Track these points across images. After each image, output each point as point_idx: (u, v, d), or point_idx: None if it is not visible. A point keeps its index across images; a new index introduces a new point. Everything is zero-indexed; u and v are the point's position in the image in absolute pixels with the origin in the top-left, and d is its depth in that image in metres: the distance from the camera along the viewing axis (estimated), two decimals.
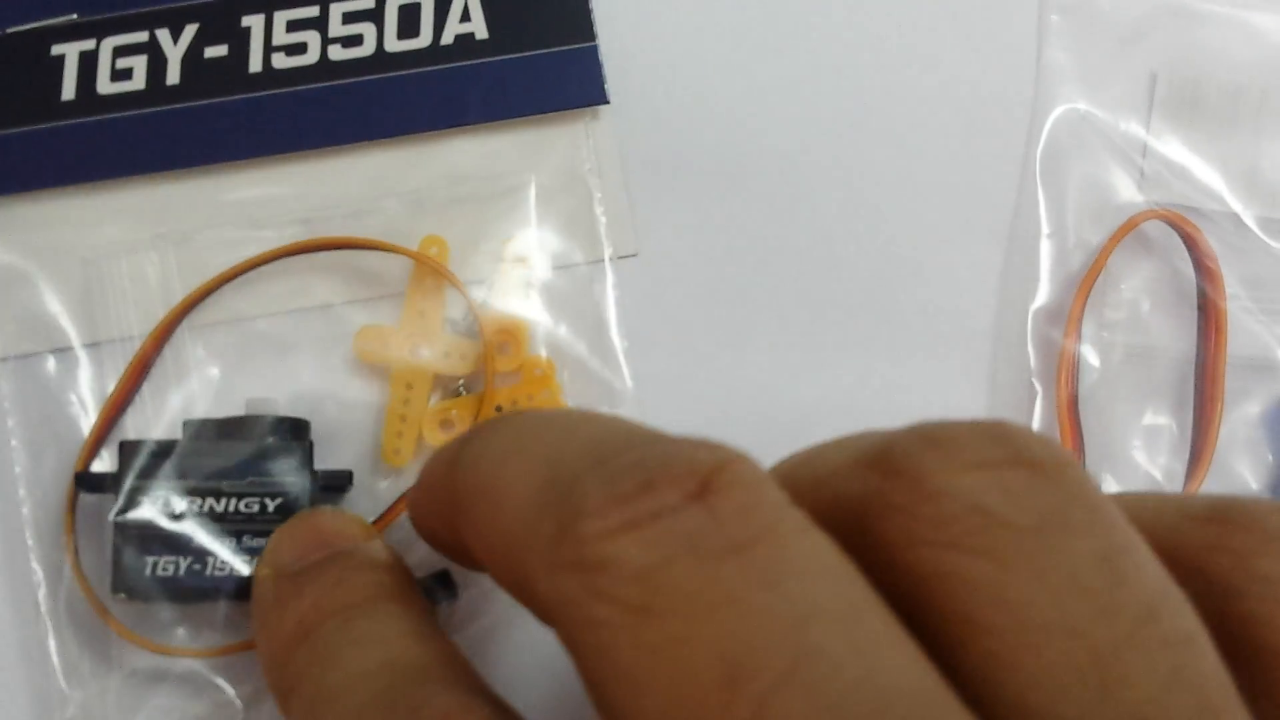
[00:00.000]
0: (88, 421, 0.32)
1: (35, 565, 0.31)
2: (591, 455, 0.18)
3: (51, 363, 0.32)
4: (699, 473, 0.17)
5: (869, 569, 0.17)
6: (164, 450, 0.30)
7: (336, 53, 0.34)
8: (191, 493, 0.30)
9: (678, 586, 0.16)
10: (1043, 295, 0.35)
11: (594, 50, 0.34)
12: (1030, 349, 0.34)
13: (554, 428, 0.20)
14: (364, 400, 0.33)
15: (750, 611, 0.16)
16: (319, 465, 0.31)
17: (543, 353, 0.33)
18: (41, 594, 0.31)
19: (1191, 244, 0.34)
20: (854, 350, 0.34)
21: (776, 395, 0.34)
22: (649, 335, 0.34)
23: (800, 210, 0.35)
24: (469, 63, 0.34)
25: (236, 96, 0.34)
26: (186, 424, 0.31)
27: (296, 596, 0.26)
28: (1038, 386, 0.34)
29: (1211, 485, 0.34)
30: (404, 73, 0.34)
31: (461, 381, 0.33)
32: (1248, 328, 0.35)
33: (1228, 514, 0.19)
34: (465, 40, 0.34)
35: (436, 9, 0.34)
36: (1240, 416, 0.35)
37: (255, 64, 0.34)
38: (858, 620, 0.16)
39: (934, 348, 0.35)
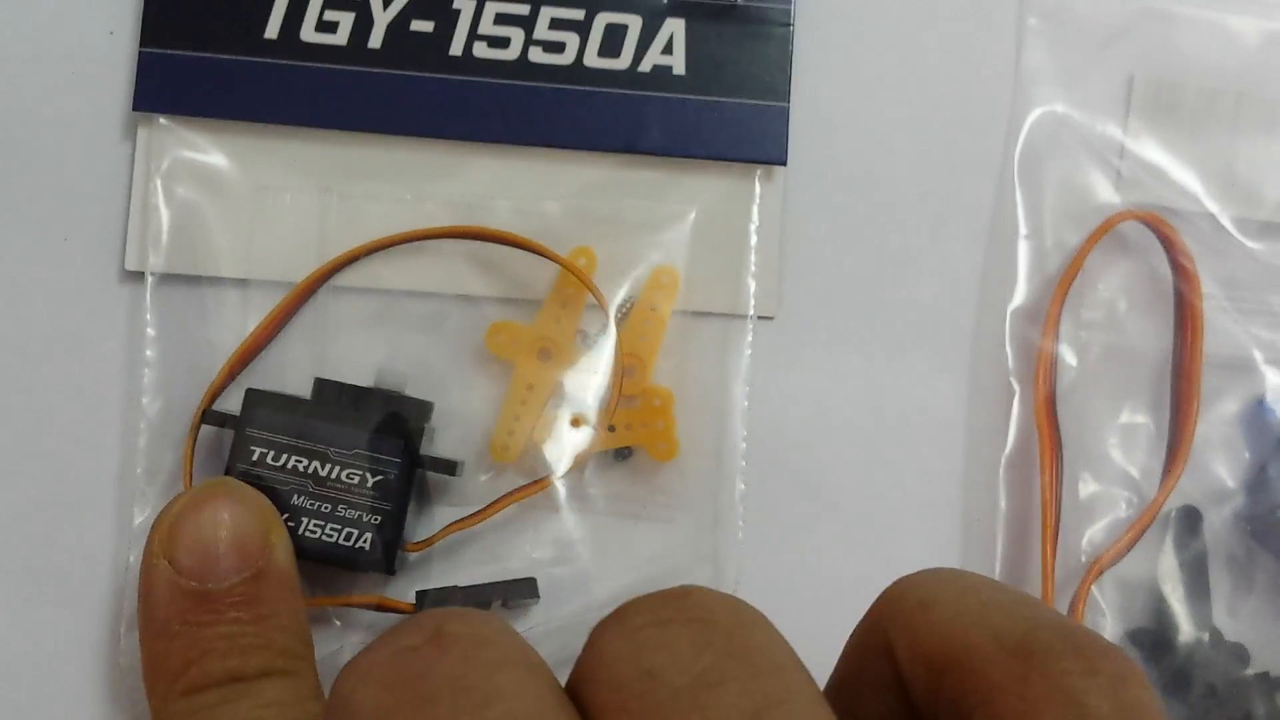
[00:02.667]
0: (223, 355, 0.33)
1: (144, 486, 0.32)
2: None
3: (203, 289, 0.33)
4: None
5: None
6: (287, 405, 0.31)
7: (537, 55, 0.34)
8: (301, 453, 0.31)
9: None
10: (1020, 295, 0.35)
11: (785, 110, 0.35)
12: (1008, 348, 0.35)
13: None
14: (485, 393, 0.34)
15: None
16: (432, 449, 0.32)
17: (666, 383, 0.34)
18: (143, 514, 0.32)
19: (1168, 244, 0.35)
20: (835, 349, 0.35)
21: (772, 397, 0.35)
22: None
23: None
24: (661, 94, 0.34)
25: (433, 74, 0.34)
26: (317, 382, 0.32)
27: (188, 633, 0.27)
28: (1015, 386, 0.34)
29: (1188, 483, 0.34)
30: (596, 89, 0.34)
31: (580, 394, 0.33)
32: (1224, 327, 0.35)
33: (1032, 655, 0.17)
34: (662, 72, 0.35)
35: (642, 35, 0.35)
36: (1217, 415, 0.35)
37: (457, 47, 0.34)
38: None
39: (914, 347, 0.35)
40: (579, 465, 0.33)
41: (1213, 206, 0.35)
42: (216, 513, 0.28)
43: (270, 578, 0.28)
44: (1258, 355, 0.35)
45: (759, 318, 0.35)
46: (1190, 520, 0.34)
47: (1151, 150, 0.36)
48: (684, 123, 0.35)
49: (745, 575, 0.33)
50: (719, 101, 0.35)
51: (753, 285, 0.34)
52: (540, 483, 0.32)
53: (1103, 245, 0.35)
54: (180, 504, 0.28)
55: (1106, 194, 0.36)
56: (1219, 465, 0.34)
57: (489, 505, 0.32)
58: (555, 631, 0.32)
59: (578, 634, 0.32)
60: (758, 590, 0.33)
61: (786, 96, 0.35)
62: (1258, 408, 0.35)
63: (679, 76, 0.35)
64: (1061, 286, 0.35)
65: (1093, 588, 0.33)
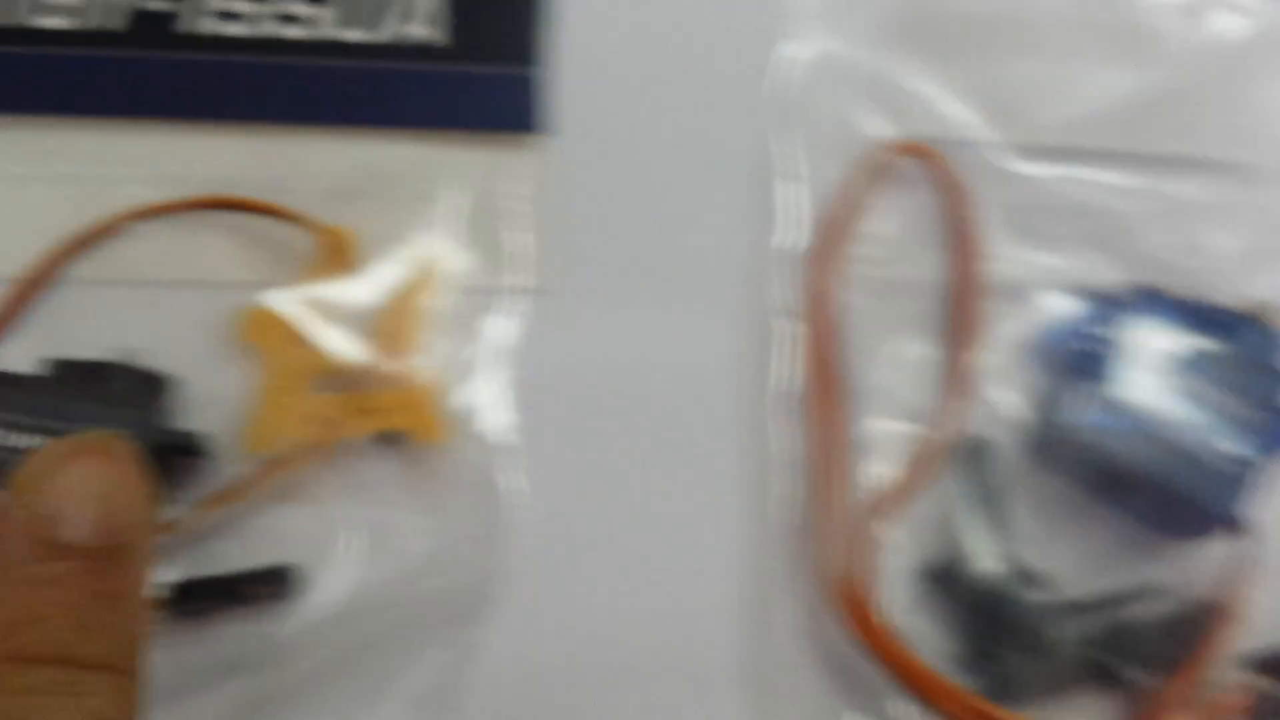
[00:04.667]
0: None
1: None
2: None
3: None
4: None
5: None
6: (19, 383, 0.30)
7: (287, 29, 0.33)
8: (34, 430, 0.29)
9: None
10: (793, 235, 0.34)
11: (548, 76, 0.34)
12: (781, 289, 0.34)
13: None
14: (242, 381, 0.32)
15: None
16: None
17: (433, 363, 0.32)
18: None
19: (940, 174, 0.34)
20: (615, 313, 0.34)
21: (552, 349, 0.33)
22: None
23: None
24: (416, 66, 0.33)
25: (174, 54, 0.33)
26: (49, 361, 0.30)
27: (28, 589, 0.24)
28: (788, 325, 0.33)
29: (979, 414, 0.34)
30: (352, 63, 0.33)
31: (341, 378, 0.31)
32: (1003, 255, 0.34)
33: None
34: (419, 43, 0.34)
35: (400, 6, 0.34)
36: (1002, 343, 0.34)
37: (200, 25, 0.33)
38: None
39: (694, 300, 0.34)
40: (338, 451, 0.31)
41: (985, 134, 0.35)
42: (98, 466, 0.25)
43: (133, 561, 0.25)
44: (1038, 281, 0.34)
45: (533, 289, 0.33)
46: (979, 452, 0.33)
47: (920, 82, 0.35)
48: (445, 94, 0.34)
49: (525, 554, 0.32)
50: (481, 71, 0.34)
51: (525, 257, 0.33)
52: (292, 467, 0.30)
53: (877, 179, 0.34)
54: (61, 447, 0.24)
55: (877, 128, 0.35)
56: (1007, 394, 0.34)
57: (237, 487, 0.30)
58: (322, 623, 0.30)
59: (347, 626, 0.31)
60: (537, 570, 0.31)
61: (550, 62, 0.34)
62: (1044, 334, 0.34)
63: (439, 47, 0.34)
64: (834, 223, 0.34)
65: (885, 525, 0.32)
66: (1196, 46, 0.36)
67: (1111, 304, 0.32)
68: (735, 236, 0.34)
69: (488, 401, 0.32)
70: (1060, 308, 0.33)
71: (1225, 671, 0.31)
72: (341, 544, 0.31)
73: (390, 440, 0.31)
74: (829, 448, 0.32)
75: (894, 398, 0.33)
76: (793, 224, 0.34)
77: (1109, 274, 0.34)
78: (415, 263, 0.32)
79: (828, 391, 0.33)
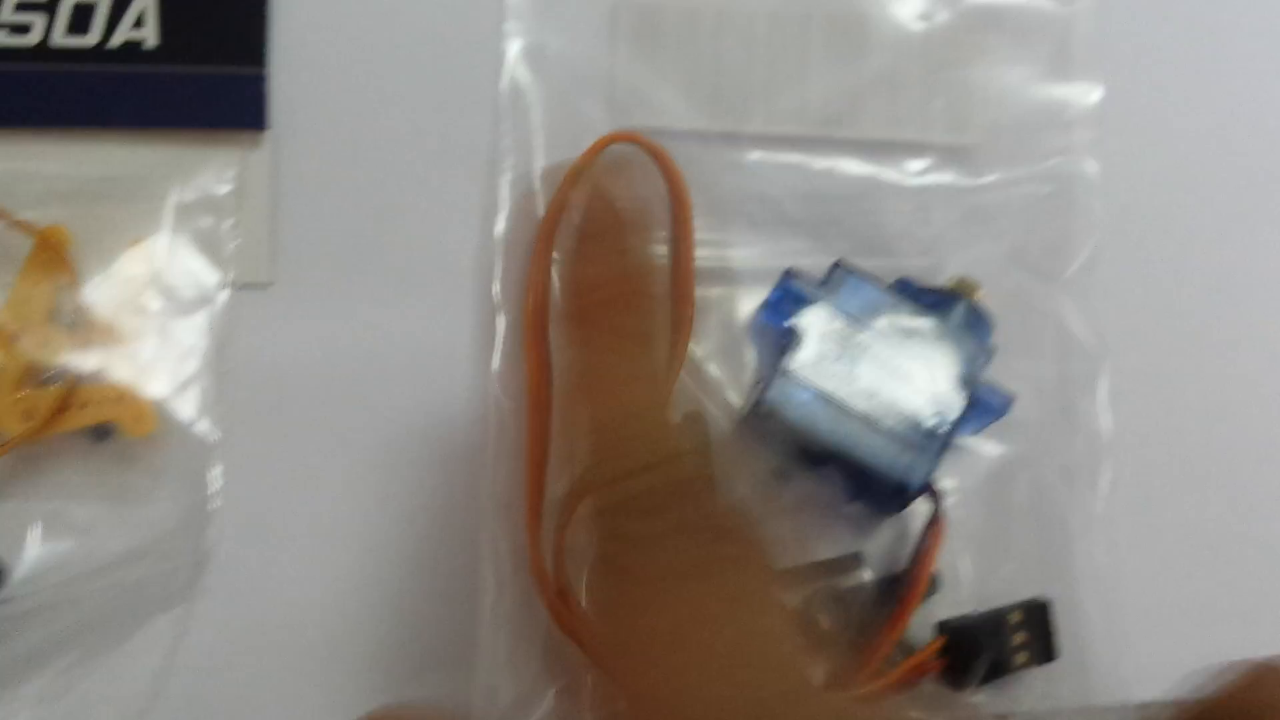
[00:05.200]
0: None
1: None
2: None
3: None
4: None
5: None
6: None
7: (1, 38, 0.34)
8: None
9: None
10: (513, 225, 0.35)
11: (263, 75, 0.35)
12: (499, 279, 0.35)
13: None
14: None
15: None
16: None
17: (145, 358, 0.33)
18: None
19: (658, 163, 0.35)
20: (336, 306, 0.35)
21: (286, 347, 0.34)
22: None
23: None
24: (132, 68, 0.34)
25: None
26: None
27: None
28: (504, 315, 0.34)
29: (701, 398, 0.35)
30: (63, 68, 0.34)
31: (51, 373, 0.32)
32: (721, 241, 0.36)
33: None
34: (133, 46, 0.34)
35: (112, 11, 0.34)
36: (719, 327, 0.35)
37: None
38: None
39: (417, 292, 0.35)
40: (46, 445, 0.32)
41: (702, 123, 0.36)
42: None
43: None
44: (753, 265, 0.35)
45: (252, 285, 0.34)
46: (692, 426, 0.34)
47: (640, 74, 0.36)
48: (158, 95, 0.34)
49: (229, 544, 0.33)
50: (194, 72, 0.34)
51: (242, 252, 0.34)
52: None
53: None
54: None
55: (598, 121, 0.36)
56: (723, 376, 0.35)
57: None
58: (24, 614, 0.31)
59: (48, 617, 0.32)
60: (241, 561, 0.33)
61: (265, 61, 0.35)
62: (757, 316, 0.35)
63: (152, 49, 0.34)
64: (549, 215, 0.35)
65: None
66: (909, 33, 0.37)
67: (819, 285, 0.34)
68: (457, 228, 0.35)
69: (198, 395, 0.33)
70: (773, 290, 0.34)
71: (921, 636, 0.33)
72: (42, 536, 0.31)
73: (100, 434, 0.32)
74: (539, 434, 0.33)
75: None
76: (513, 214, 0.35)
77: (822, 257, 0.35)
78: (130, 260, 0.33)
79: (540, 378, 0.34)
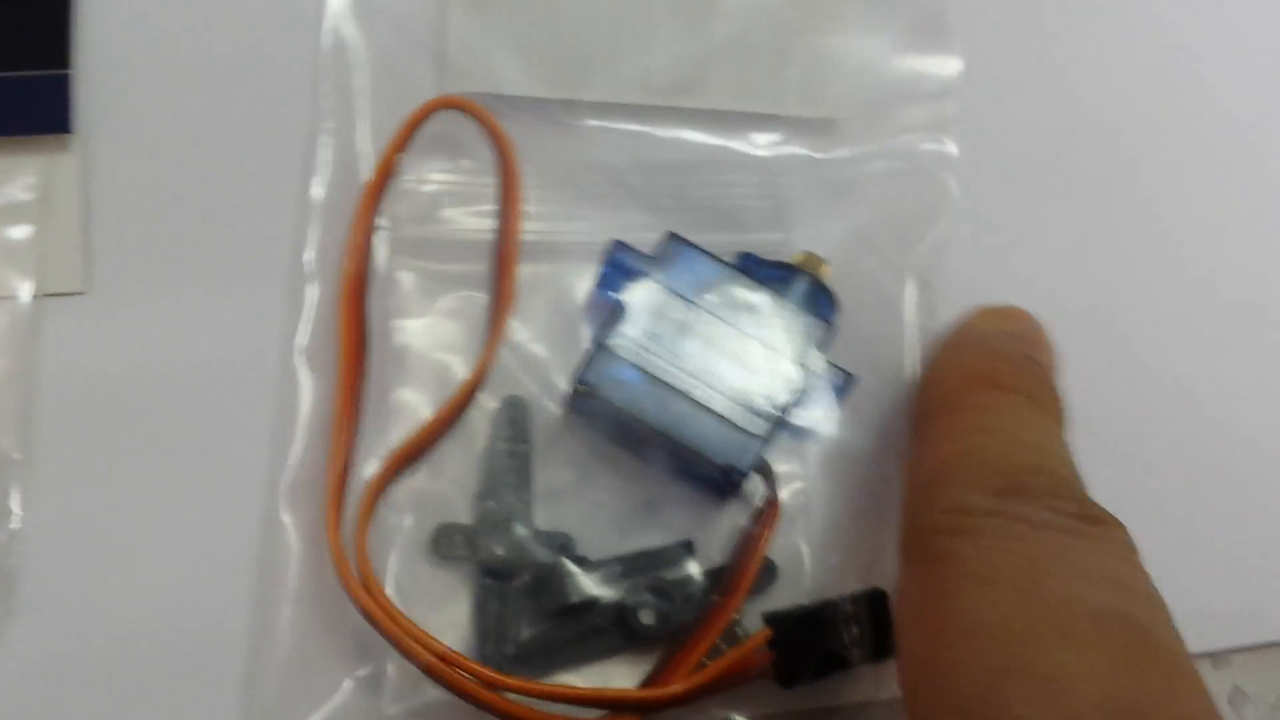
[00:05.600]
0: None
1: None
2: None
3: None
4: None
5: None
6: None
7: None
8: None
9: None
10: (332, 191, 0.33)
11: (65, 76, 0.33)
12: (313, 247, 0.33)
13: None
14: None
15: None
16: None
17: None
18: None
19: (489, 131, 0.34)
20: (156, 307, 0.33)
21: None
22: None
23: None
24: None
25: None
26: None
27: None
28: (316, 284, 0.33)
29: (523, 375, 0.33)
30: None
31: None
32: (556, 214, 0.34)
33: None
34: None
35: None
36: (547, 303, 0.34)
37: None
38: None
39: (240, 280, 0.33)
40: None
41: (538, 90, 0.34)
42: None
43: None
44: (587, 239, 0.33)
45: (61, 294, 0.33)
46: (513, 410, 0.32)
47: (474, 36, 0.34)
48: None
49: (32, 571, 0.31)
50: None
51: (49, 260, 0.33)
52: None
53: (426, 135, 0.34)
54: None
55: (427, 84, 0.34)
56: (549, 353, 0.33)
57: None
58: None
59: None
60: (44, 585, 0.31)
61: (67, 62, 0.33)
62: (591, 293, 0.33)
63: None
64: (374, 180, 0.33)
65: (393, 489, 0.31)
66: (761, 2, 0.35)
67: (656, 260, 0.32)
68: (277, 206, 0.33)
69: (2, 410, 0.31)
70: (608, 265, 0.33)
71: (751, 626, 0.31)
72: None
73: None
74: (349, 408, 0.32)
75: (428, 360, 0.33)
76: (332, 180, 0.33)
77: (664, 230, 0.33)
78: None
79: (354, 349, 0.32)
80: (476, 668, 0.29)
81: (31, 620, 0.31)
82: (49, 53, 0.33)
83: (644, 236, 0.33)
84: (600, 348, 0.31)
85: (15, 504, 0.31)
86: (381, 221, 0.33)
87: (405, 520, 0.31)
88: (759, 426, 0.31)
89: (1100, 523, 0.26)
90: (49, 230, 0.33)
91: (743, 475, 0.31)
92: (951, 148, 0.35)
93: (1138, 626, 0.24)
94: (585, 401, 0.32)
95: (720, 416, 0.31)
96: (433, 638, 0.29)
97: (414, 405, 0.32)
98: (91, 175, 0.33)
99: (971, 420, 0.29)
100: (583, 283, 0.34)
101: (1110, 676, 0.23)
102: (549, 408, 0.33)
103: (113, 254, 0.33)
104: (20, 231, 0.33)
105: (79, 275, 0.33)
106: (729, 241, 0.34)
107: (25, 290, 0.33)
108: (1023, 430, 0.29)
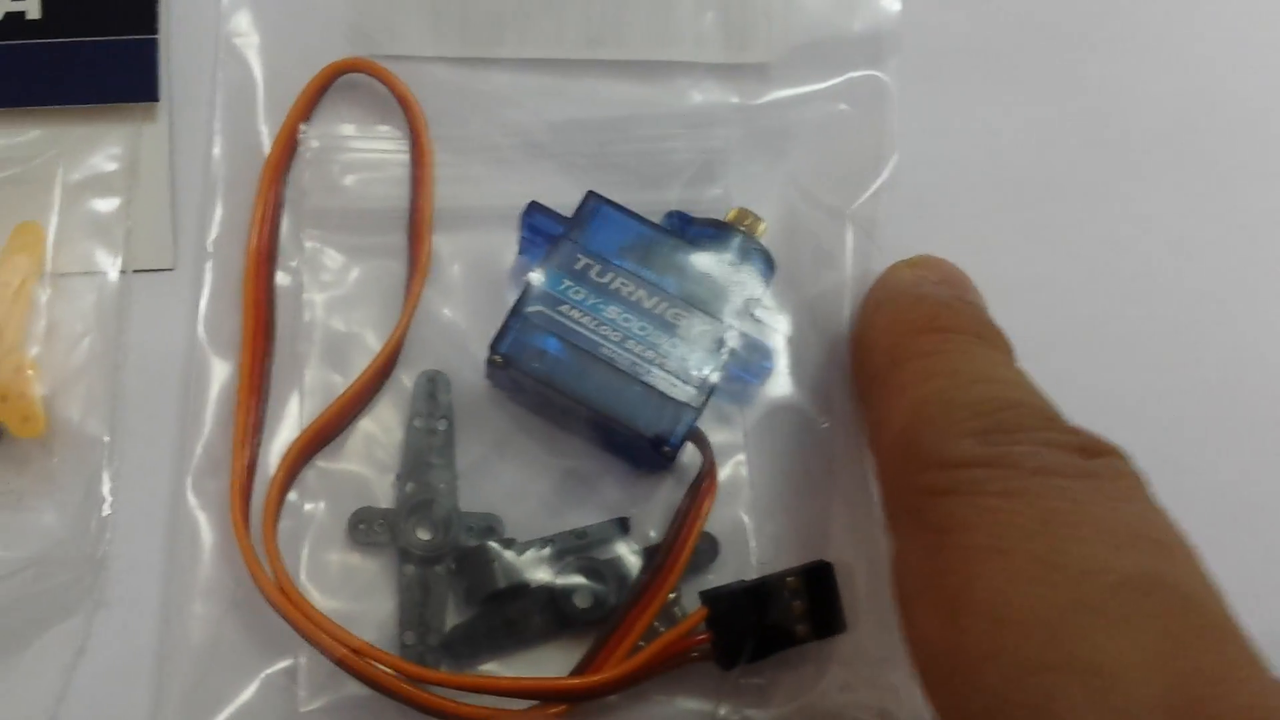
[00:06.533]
0: None
1: None
2: None
3: None
4: None
5: None
6: None
7: None
8: None
9: None
10: (229, 161, 0.32)
11: (153, 43, 0.32)
12: (217, 224, 0.31)
13: None
14: None
15: None
16: None
17: (34, 353, 0.30)
18: None
19: (395, 94, 0.32)
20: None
21: None
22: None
23: None
24: (14, 42, 0.32)
25: None
26: None
27: None
28: (215, 258, 0.31)
29: (443, 347, 0.31)
30: None
31: None
32: (466, 177, 0.32)
33: None
34: (15, 18, 0.32)
35: None
36: (461, 271, 0.32)
37: None
38: None
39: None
40: None
41: (449, 49, 0.33)
42: None
43: None
44: (506, 203, 0.32)
45: (151, 270, 0.32)
46: (432, 385, 0.31)
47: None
48: (41, 69, 0.32)
49: (122, 556, 0.30)
50: (79, 42, 0.32)
51: (139, 236, 0.32)
52: None
53: (338, 105, 0.32)
54: None
55: (334, 46, 0.32)
56: (467, 323, 0.31)
57: None
58: None
59: None
60: (134, 570, 0.30)
61: (154, 28, 0.32)
62: (513, 261, 0.32)
63: (33, 21, 0.32)
64: (276, 148, 0.31)
65: (306, 473, 0.30)
66: None
67: (574, 222, 0.30)
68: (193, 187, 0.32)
69: (90, 392, 0.30)
70: (526, 229, 0.31)
71: (690, 606, 0.30)
72: None
73: None
74: (253, 385, 0.30)
75: (341, 335, 0.31)
76: (229, 150, 0.32)
77: (579, 191, 0.31)
78: (17, 245, 0.30)
79: (258, 323, 0.30)
80: (394, 660, 0.28)
81: (120, 609, 0.30)
82: (137, 17, 0.32)
83: (567, 199, 0.31)
84: (516, 316, 0.29)
85: (105, 489, 0.30)
86: (288, 194, 0.32)
87: (319, 506, 0.30)
88: (690, 395, 0.29)
89: (1099, 453, 0.24)
90: (137, 203, 0.32)
91: (675, 447, 0.29)
92: (892, 86, 0.33)
93: (1174, 590, 0.22)
94: (503, 373, 0.30)
95: (648, 385, 0.29)
96: (346, 631, 0.27)
97: (327, 384, 0.31)
98: (178, 147, 0.32)
99: (925, 366, 0.27)
100: (506, 250, 0.32)
101: (1160, 661, 0.20)
102: (471, 381, 0.31)
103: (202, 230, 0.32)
104: (106, 204, 0.32)
105: (168, 251, 0.32)
106: (657, 200, 0.32)
107: (113, 266, 0.31)
108: (981, 367, 0.27)
